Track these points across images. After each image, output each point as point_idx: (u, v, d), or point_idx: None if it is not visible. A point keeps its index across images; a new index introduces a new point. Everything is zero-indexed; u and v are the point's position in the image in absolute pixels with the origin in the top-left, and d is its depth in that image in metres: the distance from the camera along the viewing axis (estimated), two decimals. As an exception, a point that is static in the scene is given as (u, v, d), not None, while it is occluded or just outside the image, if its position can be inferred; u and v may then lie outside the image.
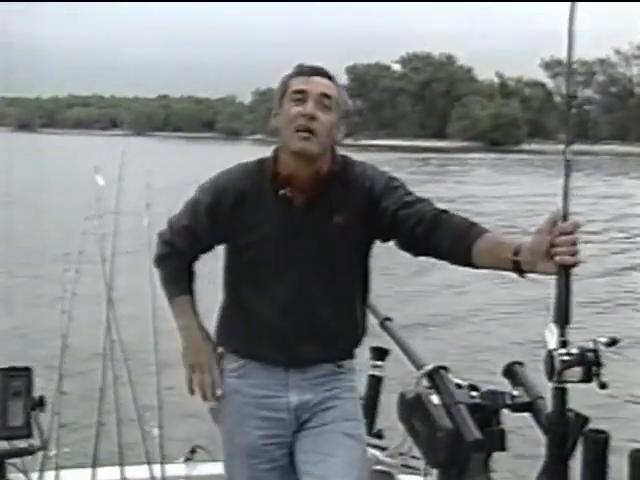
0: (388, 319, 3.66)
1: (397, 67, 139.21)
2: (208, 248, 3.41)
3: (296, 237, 3.17)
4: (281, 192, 3.16)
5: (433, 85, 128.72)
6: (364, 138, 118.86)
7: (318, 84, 3.13)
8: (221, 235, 3.29)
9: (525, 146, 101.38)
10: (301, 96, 3.11)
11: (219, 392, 3.30)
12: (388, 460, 3.76)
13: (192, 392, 3.34)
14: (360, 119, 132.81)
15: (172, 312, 3.46)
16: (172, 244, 3.39)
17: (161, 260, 3.45)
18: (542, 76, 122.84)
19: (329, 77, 3.18)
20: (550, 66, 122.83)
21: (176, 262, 3.42)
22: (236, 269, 3.32)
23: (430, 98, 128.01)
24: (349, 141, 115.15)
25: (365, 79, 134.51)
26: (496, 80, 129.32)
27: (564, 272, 2.41)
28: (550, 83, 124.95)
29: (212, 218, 3.26)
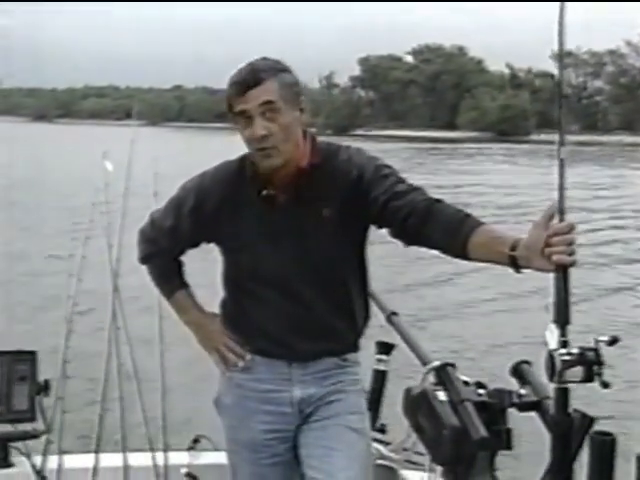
0: (394, 314, 3.59)
1: (409, 58, 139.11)
2: (194, 246, 3.34)
3: (283, 236, 3.07)
4: (264, 193, 3.06)
5: (444, 76, 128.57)
6: (375, 129, 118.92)
7: (255, 98, 2.93)
8: (205, 236, 3.24)
9: (534, 137, 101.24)
10: (245, 117, 2.95)
11: (248, 357, 3.22)
12: (392, 455, 3.71)
13: (227, 370, 3.28)
14: (372, 110, 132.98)
15: (173, 309, 3.43)
16: (156, 243, 3.33)
17: (147, 259, 3.39)
18: (552, 67, 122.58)
19: (261, 80, 2.94)
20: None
21: (163, 259, 3.37)
22: (229, 270, 3.25)
23: (441, 89, 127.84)
24: (361, 131, 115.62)
25: (377, 71, 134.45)
26: (506, 71, 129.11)
27: (562, 272, 2.37)
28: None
29: (196, 220, 3.18)
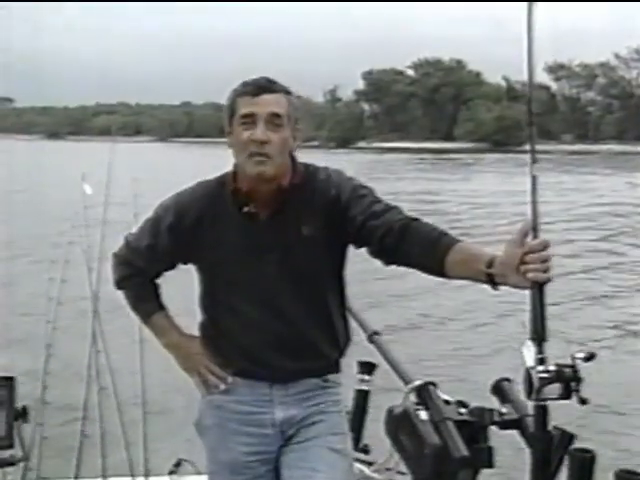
0: (376, 333, 3.51)
1: (410, 72, 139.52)
2: (170, 267, 3.23)
3: (264, 253, 3.00)
4: (245, 209, 2.99)
5: (443, 89, 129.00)
6: (377, 141, 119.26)
7: (266, 104, 2.91)
8: (183, 255, 3.13)
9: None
10: (250, 119, 2.90)
11: (229, 379, 3.12)
12: (375, 475, 3.62)
13: (208, 393, 3.17)
14: (375, 123, 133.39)
15: (151, 332, 3.32)
16: (132, 264, 3.22)
17: (123, 281, 3.28)
18: (547, 79, 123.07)
19: (276, 90, 2.95)
20: (553, 70, 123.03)
21: (139, 281, 3.26)
22: (208, 289, 3.15)
23: (441, 102, 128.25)
24: (362, 144, 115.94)
25: (380, 84, 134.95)
26: (503, 84, 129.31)
27: (538, 289, 2.33)
28: (554, 86, 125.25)
29: (174, 238, 3.08)
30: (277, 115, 2.91)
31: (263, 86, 2.93)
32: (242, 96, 2.93)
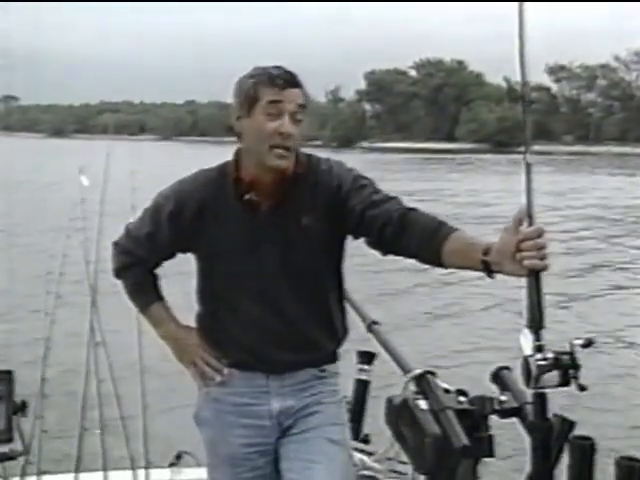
0: (375, 322, 3.48)
1: (413, 72, 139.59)
2: (169, 256, 3.19)
3: (264, 243, 2.96)
4: (246, 197, 2.95)
5: (445, 90, 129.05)
6: (380, 141, 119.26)
7: (293, 97, 2.87)
8: (183, 244, 3.09)
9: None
10: (276, 111, 2.85)
11: (225, 370, 3.09)
12: (375, 465, 3.59)
13: (205, 385, 3.14)
14: (377, 122, 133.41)
15: (149, 322, 3.28)
16: (132, 253, 3.18)
17: (122, 271, 3.23)
18: (547, 81, 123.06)
19: (299, 84, 2.91)
20: (554, 71, 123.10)
21: (138, 271, 3.21)
22: (206, 280, 3.11)
23: (443, 102, 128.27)
24: (365, 144, 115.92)
25: (382, 84, 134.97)
26: (504, 85, 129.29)
27: (534, 276, 2.30)
28: (554, 87, 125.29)
29: (174, 226, 3.04)
30: (302, 107, 2.89)
31: (290, 80, 2.88)
32: (268, 86, 2.86)
